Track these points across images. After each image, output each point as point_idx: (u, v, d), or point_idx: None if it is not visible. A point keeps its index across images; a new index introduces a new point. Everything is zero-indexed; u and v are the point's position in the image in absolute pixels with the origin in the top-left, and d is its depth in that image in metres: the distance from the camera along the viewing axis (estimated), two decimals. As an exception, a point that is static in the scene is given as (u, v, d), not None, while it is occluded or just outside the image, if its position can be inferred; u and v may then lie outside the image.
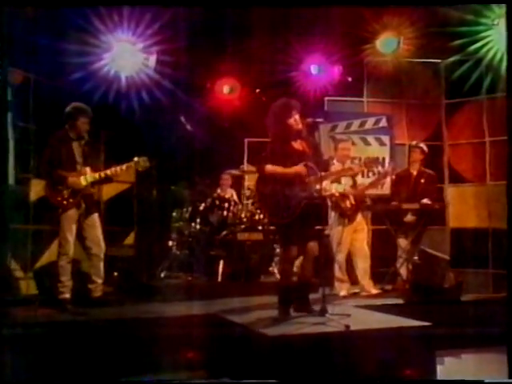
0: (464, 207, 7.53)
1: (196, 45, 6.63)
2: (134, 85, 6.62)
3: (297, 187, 4.31)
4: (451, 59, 7.46)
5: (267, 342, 3.66)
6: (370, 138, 7.23)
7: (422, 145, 6.37)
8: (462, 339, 4.71)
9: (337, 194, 5.63)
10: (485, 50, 6.84)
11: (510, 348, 2.73)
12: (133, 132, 6.69)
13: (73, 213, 4.90)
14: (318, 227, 4.55)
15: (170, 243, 6.64)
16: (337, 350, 3.62)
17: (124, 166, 5.00)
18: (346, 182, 5.73)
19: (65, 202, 4.84)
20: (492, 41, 6.76)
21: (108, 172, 4.99)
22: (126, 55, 6.48)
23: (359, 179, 6.05)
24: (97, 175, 4.96)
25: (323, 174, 4.29)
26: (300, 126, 4.44)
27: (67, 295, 4.86)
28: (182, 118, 6.51)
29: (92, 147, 5.16)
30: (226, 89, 7.54)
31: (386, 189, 6.76)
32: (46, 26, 5.75)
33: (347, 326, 3.78)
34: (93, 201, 5.10)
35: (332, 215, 5.85)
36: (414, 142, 6.59)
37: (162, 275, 6.37)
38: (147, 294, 5.68)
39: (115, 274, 6.01)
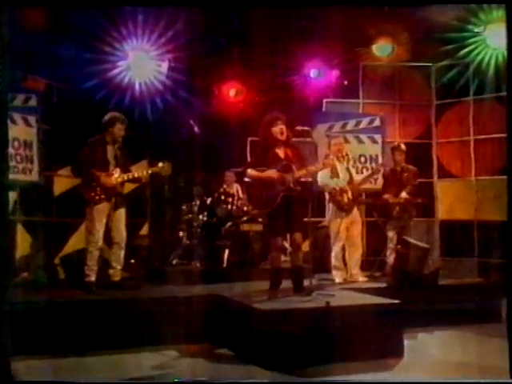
0: (452, 200, 8.06)
1: (204, 52, 7.20)
2: (148, 90, 7.20)
3: (274, 184, 4.94)
4: (441, 63, 8.01)
5: (260, 315, 4.34)
6: (364, 137, 7.75)
7: (402, 145, 6.88)
8: (435, 317, 5.41)
9: (337, 189, 6.11)
10: (472, 55, 7.35)
11: (510, 347, 2.98)
12: (146, 134, 7.28)
13: (104, 207, 5.47)
14: (302, 219, 5.07)
15: (181, 234, 7.14)
16: (317, 322, 4.29)
17: (150, 170, 5.67)
18: (344, 177, 6.17)
19: (97, 198, 5.42)
20: (479, 46, 7.27)
21: (135, 174, 5.60)
22: (140, 63, 7.04)
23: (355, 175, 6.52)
24: (125, 176, 5.55)
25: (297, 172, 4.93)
26: (284, 137, 5.02)
27: (93, 278, 5.44)
28: (191, 121, 7.05)
29: (123, 151, 5.72)
30: (231, 92, 8.05)
31: (378, 184, 7.28)
32: (66, 39, 6.36)
33: (327, 303, 4.42)
34: (122, 197, 5.66)
35: (330, 208, 6.35)
36: (395, 143, 7.10)
37: (174, 262, 6.90)
38: (160, 279, 6.31)
39: (132, 261, 6.62)
